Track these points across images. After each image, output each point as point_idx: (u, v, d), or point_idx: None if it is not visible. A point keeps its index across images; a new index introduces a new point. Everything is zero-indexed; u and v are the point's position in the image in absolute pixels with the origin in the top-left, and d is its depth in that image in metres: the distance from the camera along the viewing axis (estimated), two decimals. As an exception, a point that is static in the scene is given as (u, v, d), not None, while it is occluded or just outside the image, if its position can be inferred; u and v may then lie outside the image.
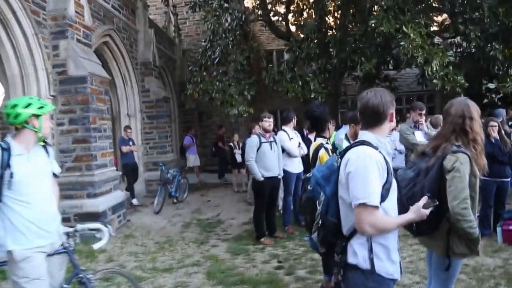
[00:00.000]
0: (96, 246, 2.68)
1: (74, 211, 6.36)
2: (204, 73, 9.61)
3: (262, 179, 5.44)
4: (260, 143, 5.51)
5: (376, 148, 1.88)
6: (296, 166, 6.11)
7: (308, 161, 6.35)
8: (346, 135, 3.88)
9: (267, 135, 5.63)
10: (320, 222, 2.00)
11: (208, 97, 10.52)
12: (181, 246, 5.84)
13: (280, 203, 6.50)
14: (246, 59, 9.67)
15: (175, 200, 9.17)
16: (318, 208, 2.02)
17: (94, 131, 6.49)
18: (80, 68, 6.38)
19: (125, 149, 8.88)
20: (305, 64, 9.35)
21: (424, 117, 5.36)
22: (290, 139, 6.01)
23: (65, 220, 6.42)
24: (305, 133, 7.13)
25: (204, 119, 16.53)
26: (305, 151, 6.14)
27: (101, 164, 6.70)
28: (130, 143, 9.09)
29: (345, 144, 3.61)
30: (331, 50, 9.34)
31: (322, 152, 3.54)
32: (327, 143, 3.62)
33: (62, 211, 6.42)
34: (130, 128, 9.48)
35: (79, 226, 2.72)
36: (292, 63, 9.21)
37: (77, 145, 6.44)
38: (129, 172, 9.00)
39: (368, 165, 1.79)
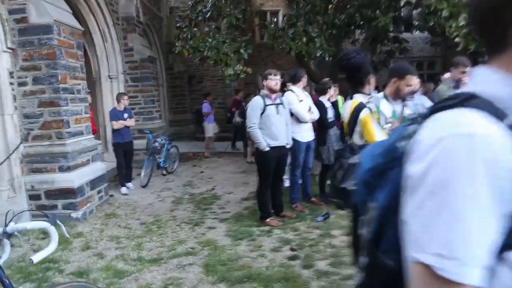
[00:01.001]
0: (36, 258, 1.72)
1: (45, 187, 5.40)
2: (195, 29, 8.42)
3: (267, 149, 4.51)
4: (265, 105, 4.53)
5: (500, 117, 0.64)
6: (306, 134, 5.18)
7: (323, 128, 5.48)
8: (384, 94, 2.92)
9: (273, 96, 4.64)
10: (367, 257, 0.88)
11: (200, 57, 9.41)
12: (172, 228, 4.95)
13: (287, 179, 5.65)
14: (242, 12, 8.48)
15: (164, 172, 8.24)
16: (363, 229, 0.91)
17: (64, 92, 5.42)
18: (43, 15, 5.22)
19: (116, 124, 6.98)
20: (309, 19, 8.21)
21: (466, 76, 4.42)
22: (299, 101, 5.05)
23: (36, 197, 5.51)
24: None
25: (194, 84, 15.38)
26: (316, 116, 5.19)
27: (75, 131, 5.67)
28: (125, 115, 7.16)
29: (386, 106, 2.65)
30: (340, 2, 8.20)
31: (364, 113, 2.59)
32: (368, 102, 2.65)
33: (31, 187, 5.47)
34: (126, 95, 7.58)
35: (13, 227, 1.75)
36: (295, 17, 8.07)
37: (44, 109, 5.38)
38: (120, 153, 7.17)
39: (463, 169, 0.60)
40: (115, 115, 7.10)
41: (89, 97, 7.32)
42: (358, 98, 2.70)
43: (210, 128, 10.74)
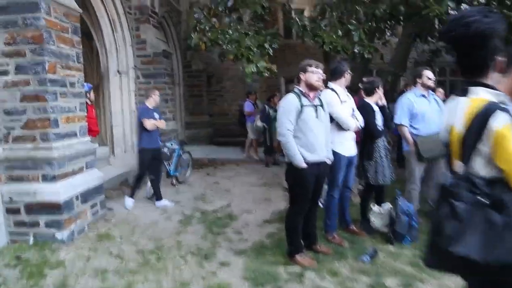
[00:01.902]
0: None
1: (25, 199, 4.42)
2: (214, 20, 7.40)
3: (304, 165, 3.40)
4: (302, 106, 3.43)
5: None
6: (348, 146, 4.05)
7: (369, 139, 4.34)
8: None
9: (312, 94, 3.54)
10: None
11: (219, 52, 8.39)
12: (175, 260, 3.88)
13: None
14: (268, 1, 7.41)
15: (173, 181, 7.22)
16: None
17: (52, 84, 4.45)
18: (29, -11, 4.28)
19: (149, 124, 5.81)
20: (345, 8, 7.06)
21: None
22: (341, 102, 3.92)
23: (14, 211, 4.52)
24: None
25: (212, 83, 14.39)
26: (362, 123, 4.05)
27: (66, 133, 4.69)
28: (156, 115, 6.06)
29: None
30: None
31: (502, 121, 1.45)
32: (502, 103, 1.51)
33: (9, 199, 4.51)
34: (158, 90, 6.40)
35: None
36: (329, 7, 6.94)
37: (27, 104, 4.41)
38: (146, 162, 5.98)
39: None
40: (146, 112, 5.98)
41: (91, 94, 6.39)
42: (482, 94, 1.57)
43: (254, 129, 9.73)
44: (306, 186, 3.48)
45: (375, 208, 4.37)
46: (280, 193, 6.58)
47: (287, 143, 3.38)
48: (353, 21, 6.68)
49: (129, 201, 5.98)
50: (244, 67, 6.54)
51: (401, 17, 7.06)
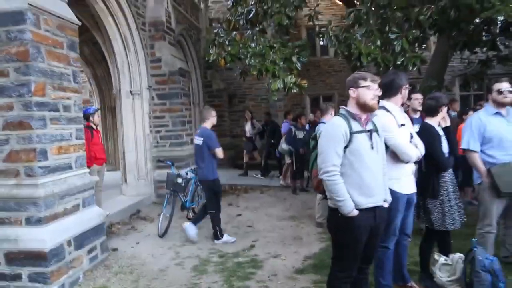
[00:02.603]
0: None
1: (5, 247, 3.66)
2: (235, 33, 6.65)
3: (355, 213, 2.47)
4: (351, 133, 2.52)
5: None
6: (407, 181, 3.08)
7: (433, 171, 3.21)
8: None
9: (364, 117, 2.63)
10: None
11: (240, 69, 7.62)
12: (182, 333, 2.99)
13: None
14: (295, 10, 6.60)
15: (190, 214, 6.37)
16: None
17: (40, 108, 3.72)
18: (13, -3, 3.61)
19: (221, 153, 5.18)
20: (384, 14, 6.15)
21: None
22: (400, 125, 2.98)
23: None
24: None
25: (234, 103, 13.66)
26: (422, 151, 3.08)
27: (57, 165, 3.93)
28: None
29: None
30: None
31: None
32: None
33: (-13, 246, 3.76)
34: (214, 111, 5.49)
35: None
36: (365, 14, 6.06)
37: (10, 133, 3.70)
38: (216, 194, 5.35)
39: None
40: (216, 139, 5.21)
41: (96, 117, 5.71)
42: None
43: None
44: (356, 240, 2.54)
45: (441, 259, 3.36)
46: (312, 230, 5.62)
47: (333, 184, 2.46)
48: (394, 29, 5.77)
49: (192, 230, 5.23)
50: (270, 84, 5.70)
51: (448, 24, 6.10)
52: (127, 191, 7.69)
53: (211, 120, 5.28)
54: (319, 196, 5.65)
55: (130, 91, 7.60)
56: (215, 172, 5.20)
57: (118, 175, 8.42)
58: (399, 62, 5.65)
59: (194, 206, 6.45)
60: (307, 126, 8.80)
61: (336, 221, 2.57)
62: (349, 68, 17.33)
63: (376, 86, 2.53)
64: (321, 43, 14.96)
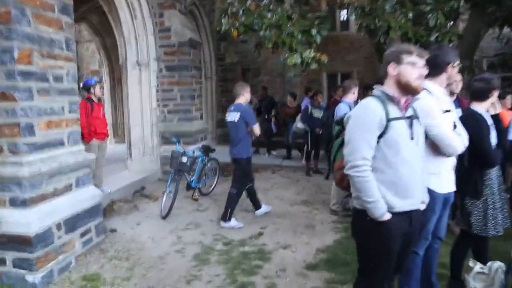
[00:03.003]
0: None
1: (-11, 229, 3.34)
2: (249, 2, 6.07)
3: (387, 216, 2.02)
4: (388, 119, 2.03)
5: None
6: (446, 178, 2.58)
7: (478, 165, 2.61)
8: None
9: (404, 101, 2.11)
10: None
11: (255, 41, 7.08)
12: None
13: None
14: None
15: (196, 194, 6.00)
16: None
17: (25, 78, 3.31)
18: None
19: (259, 129, 4.99)
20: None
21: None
22: (444, 111, 2.47)
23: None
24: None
25: (248, 77, 13.09)
26: (466, 142, 2.56)
27: (46, 141, 3.56)
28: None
29: None
30: None
31: None
32: None
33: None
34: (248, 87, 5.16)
35: None
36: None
37: (-7, 105, 3.31)
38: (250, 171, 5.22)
39: None
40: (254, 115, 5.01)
41: (97, 88, 5.30)
42: None
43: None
44: (388, 249, 2.10)
45: (476, 266, 2.90)
46: (326, 217, 5.20)
47: (363, 182, 2.00)
48: (429, 1, 5.12)
49: (232, 222, 4.91)
50: (286, 58, 5.17)
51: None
52: (132, 167, 7.36)
53: (245, 96, 4.94)
54: (334, 181, 5.22)
55: (137, 62, 7.15)
56: (250, 150, 4.96)
57: (124, 149, 8.09)
58: (432, 38, 5.04)
59: (200, 186, 6.07)
60: (322, 104, 8.23)
61: (363, 226, 2.13)
62: (370, 45, 16.47)
63: (422, 62, 2.02)
64: (342, 17, 14.16)
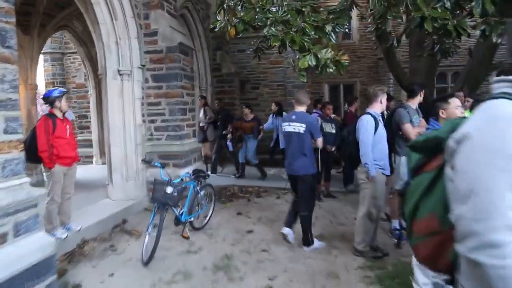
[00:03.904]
0: None
1: None
2: (248, -7, 5.05)
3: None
4: None
5: None
6: None
7: None
8: None
9: None
10: None
11: (255, 45, 6.08)
12: None
13: None
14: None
15: (186, 231, 4.87)
16: None
17: None
18: None
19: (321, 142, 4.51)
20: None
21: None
22: None
23: None
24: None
25: (247, 89, 12.10)
26: None
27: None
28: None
29: None
30: None
31: None
32: None
33: None
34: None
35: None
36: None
37: None
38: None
39: None
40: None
41: (62, 102, 4.24)
42: None
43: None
44: None
45: None
46: (350, 261, 4.10)
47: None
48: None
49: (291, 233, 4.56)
50: (297, 60, 4.13)
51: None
52: (113, 194, 6.25)
53: (307, 104, 4.47)
54: (360, 213, 4.14)
55: (118, 71, 6.10)
56: (315, 165, 4.47)
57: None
58: (479, 30, 4.02)
59: (192, 219, 4.96)
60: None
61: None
62: (372, 53, 15.47)
63: None
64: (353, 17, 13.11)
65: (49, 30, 8.67)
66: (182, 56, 6.51)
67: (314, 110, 7.27)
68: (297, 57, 4.22)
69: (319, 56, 4.04)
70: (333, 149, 6.33)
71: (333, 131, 6.36)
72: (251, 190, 7.36)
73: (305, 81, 4.49)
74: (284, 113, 8.46)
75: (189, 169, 6.49)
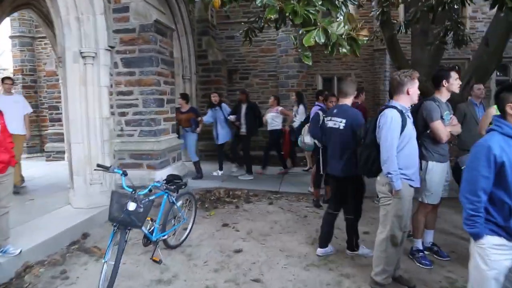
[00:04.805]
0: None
1: None
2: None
3: None
4: None
5: None
6: None
7: None
8: None
9: None
10: None
11: (246, 26, 5.11)
12: None
13: None
14: None
15: (158, 254, 3.85)
16: None
17: None
18: None
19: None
20: None
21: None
22: None
23: None
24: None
25: (235, 80, 11.10)
26: None
27: None
28: None
29: None
30: None
31: None
32: None
33: None
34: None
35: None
36: None
37: None
38: None
39: None
40: None
41: None
42: None
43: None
44: None
45: None
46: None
47: None
48: None
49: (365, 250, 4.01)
50: (302, 36, 3.15)
51: None
52: (75, 201, 5.23)
53: (353, 96, 3.99)
54: (381, 235, 3.21)
55: (80, 53, 5.05)
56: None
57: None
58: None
59: (166, 236, 3.98)
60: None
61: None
62: (368, 44, 14.55)
63: None
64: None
65: (6, 7, 7.49)
66: (158, 37, 5.48)
67: (316, 103, 6.34)
68: (300, 32, 3.22)
69: (329, 31, 3.06)
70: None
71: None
72: (239, 194, 6.41)
73: (310, 63, 3.49)
74: (223, 104, 7.81)
75: (167, 171, 5.51)
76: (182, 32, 8.94)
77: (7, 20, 11.91)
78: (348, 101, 3.93)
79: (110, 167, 3.43)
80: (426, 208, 3.77)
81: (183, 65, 9.21)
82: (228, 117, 7.60)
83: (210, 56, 9.82)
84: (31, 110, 6.41)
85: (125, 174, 3.38)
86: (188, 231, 4.49)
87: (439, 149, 3.64)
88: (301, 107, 8.07)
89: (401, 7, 11.10)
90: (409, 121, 3.08)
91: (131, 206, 3.06)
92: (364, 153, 3.24)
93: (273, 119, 7.81)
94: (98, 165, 3.50)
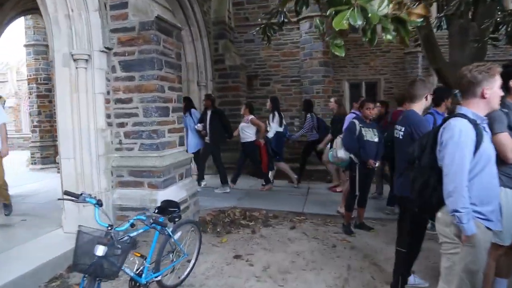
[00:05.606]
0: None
1: None
2: None
3: None
4: None
5: None
6: None
7: None
8: None
9: None
10: None
11: (264, 23, 4.31)
12: None
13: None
14: None
15: (150, 298, 3.09)
16: None
17: None
18: None
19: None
20: None
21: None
22: None
23: None
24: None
25: (255, 86, 10.33)
26: None
27: None
28: None
29: None
30: None
31: None
32: None
33: None
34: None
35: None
36: None
37: None
38: None
39: None
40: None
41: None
42: None
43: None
44: None
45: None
46: None
47: None
48: None
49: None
50: (331, 17, 2.32)
51: None
52: (66, 225, 4.54)
53: (424, 100, 3.25)
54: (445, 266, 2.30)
55: (71, 55, 4.38)
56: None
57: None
58: None
59: (160, 277, 3.19)
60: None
61: None
62: (398, 47, 13.45)
63: None
64: None
65: (8, 11, 7.00)
66: (162, 36, 4.75)
67: (352, 111, 5.46)
68: (327, 13, 2.38)
69: (368, 10, 2.21)
70: (376, 164, 4.54)
71: (376, 139, 4.53)
72: (256, 216, 5.57)
73: (343, 55, 2.63)
74: (192, 110, 7.25)
75: (172, 191, 4.75)
76: (196, 36, 8.27)
77: (21, 28, 11.68)
78: (416, 106, 3.23)
79: (80, 195, 2.66)
80: (497, 250, 2.82)
81: (198, 71, 8.52)
82: (196, 126, 7.03)
83: (228, 61, 9.09)
84: (6, 119, 5.43)
85: (99, 204, 2.61)
86: (191, 265, 3.69)
87: (508, 170, 2.70)
88: (277, 115, 7.25)
89: (434, 5, 10.15)
90: (487, 135, 2.18)
91: (99, 250, 2.28)
92: (418, 180, 2.34)
93: (244, 129, 7.01)
94: (66, 192, 2.74)
